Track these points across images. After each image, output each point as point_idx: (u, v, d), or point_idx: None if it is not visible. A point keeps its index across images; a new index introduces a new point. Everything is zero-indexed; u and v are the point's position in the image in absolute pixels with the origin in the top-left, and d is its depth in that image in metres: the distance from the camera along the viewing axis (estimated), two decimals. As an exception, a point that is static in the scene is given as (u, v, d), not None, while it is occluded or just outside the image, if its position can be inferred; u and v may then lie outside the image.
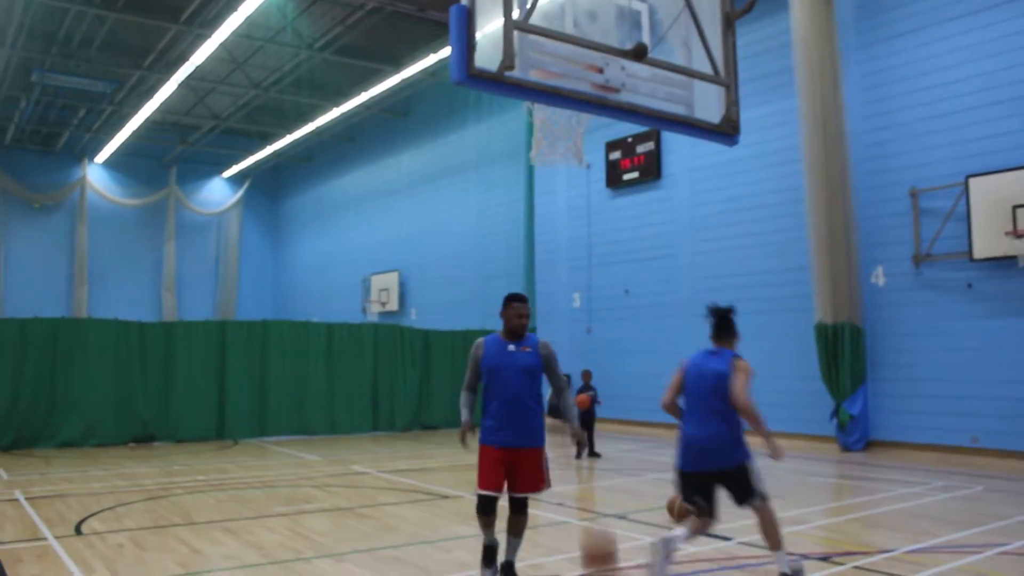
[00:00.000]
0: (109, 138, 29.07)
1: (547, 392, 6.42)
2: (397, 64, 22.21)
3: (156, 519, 8.45)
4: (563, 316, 20.50)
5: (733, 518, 7.73)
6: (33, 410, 14.77)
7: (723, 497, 5.83)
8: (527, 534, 6.07)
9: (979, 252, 12.93)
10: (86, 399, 15.12)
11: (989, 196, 12.81)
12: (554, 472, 6.35)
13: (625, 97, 4.74)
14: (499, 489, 5.80)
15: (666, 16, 4.95)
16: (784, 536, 5.87)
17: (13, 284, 29.77)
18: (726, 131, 5.26)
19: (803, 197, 14.89)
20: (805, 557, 6.71)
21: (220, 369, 16.67)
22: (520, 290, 20.85)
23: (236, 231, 34.42)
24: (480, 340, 6.01)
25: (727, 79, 5.18)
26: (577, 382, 14.37)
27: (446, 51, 20.46)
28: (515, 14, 4.22)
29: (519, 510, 5.92)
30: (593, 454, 13.81)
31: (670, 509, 8.28)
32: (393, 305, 27.06)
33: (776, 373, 15.41)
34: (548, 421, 6.06)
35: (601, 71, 4.61)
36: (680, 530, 5.74)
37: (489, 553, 5.87)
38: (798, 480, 11.37)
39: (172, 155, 32.09)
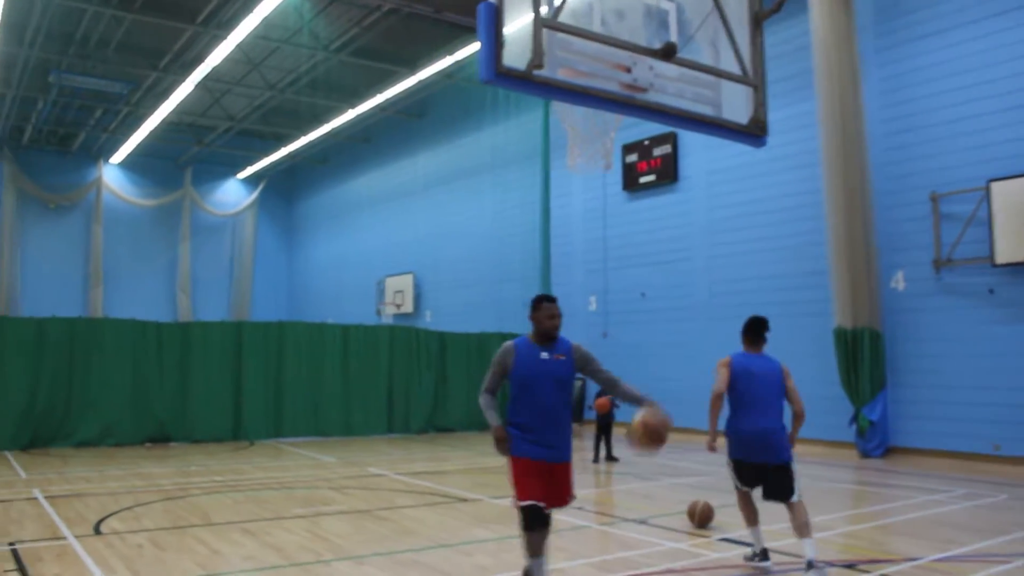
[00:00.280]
0: (125, 139, 29.18)
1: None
2: (413, 66, 22.20)
3: (174, 519, 8.44)
4: (579, 319, 20.42)
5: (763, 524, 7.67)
6: (50, 409, 14.82)
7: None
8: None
9: (1001, 257, 12.80)
10: (103, 399, 15.16)
11: (1012, 200, 12.68)
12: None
13: (653, 97, 4.68)
14: (542, 498, 5.29)
15: (694, 16, 4.89)
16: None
17: (29, 284, 29.91)
18: (754, 132, 5.19)
19: (821, 201, 14.78)
20: (830, 564, 6.63)
21: (236, 370, 16.69)
22: (536, 293, 20.80)
23: (251, 232, 34.50)
24: (509, 344, 5.49)
25: (755, 79, 5.11)
26: (595, 386, 14.29)
27: (462, 53, 20.47)
28: (543, 11, 4.18)
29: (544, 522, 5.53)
30: (611, 458, 13.74)
31: (691, 515, 8.24)
32: (408, 307, 27.04)
33: (794, 378, 15.25)
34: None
35: (629, 70, 4.56)
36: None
37: None
38: (818, 486, 11.25)
39: (187, 156, 32.20)
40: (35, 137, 29.39)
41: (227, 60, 21.53)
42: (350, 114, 25.66)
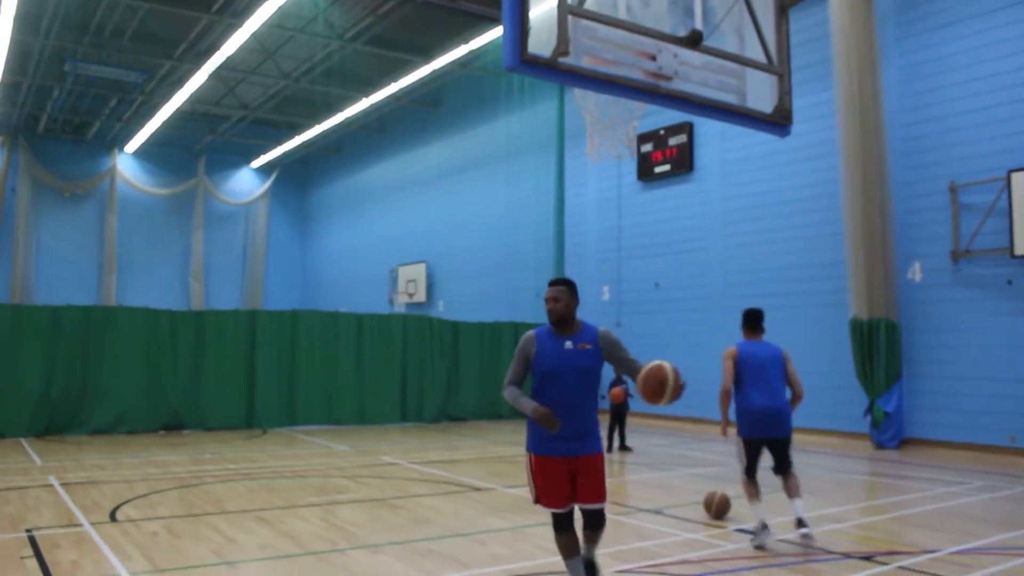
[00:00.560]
0: (139, 128, 29.24)
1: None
2: (428, 55, 22.13)
3: (189, 507, 8.46)
4: (592, 309, 20.36)
5: (772, 515, 7.64)
6: (65, 397, 14.88)
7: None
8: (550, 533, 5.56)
9: (1020, 248, 12.68)
10: (117, 387, 15.22)
11: (1032, 191, 12.56)
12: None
13: (677, 85, 4.63)
14: (569, 503, 5.11)
15: (719, 3, 4.83)
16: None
17: (44, 272, 30.07)
18: (778, 121, 5.13)
19: (838, 191, 14.69)
20: (847, 556, 6.59)
21: (250, 358, 16.72)
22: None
23: (264, 221, 34.56)
24: (531, 334, 5.16)
25: (780, 68, 5.05)
26: (609, 375, 14.26)
27: (477, 42, 20.39)
28: (569, -1, 4.13)
29: (596, 524, 5.24)
30: (624, 448, 13.73)
31: (707, 505, 8.21)
32: (420, 296, 27.04)
33: (808, 368, 15.07)
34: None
35: (654, 58, 4.51)
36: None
37: None
38: (832, 477, 11.22)
39: (201, 145, 32.25)
40: (50, 126, 29.48)
41: (242, 49, 21.51)
42: (364, 103, 25.62)
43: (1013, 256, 12.79)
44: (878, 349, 14.03)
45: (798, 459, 7.48)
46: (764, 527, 6.88)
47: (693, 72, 4.73)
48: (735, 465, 7.90)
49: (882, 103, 14.23)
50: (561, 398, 5.01)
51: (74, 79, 23.72)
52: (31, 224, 30.10)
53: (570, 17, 4.10)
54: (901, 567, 6.30)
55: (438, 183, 27.17)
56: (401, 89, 24.50)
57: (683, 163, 18.34)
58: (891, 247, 14.16)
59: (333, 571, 6.07)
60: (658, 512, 8.45)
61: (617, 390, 13.54)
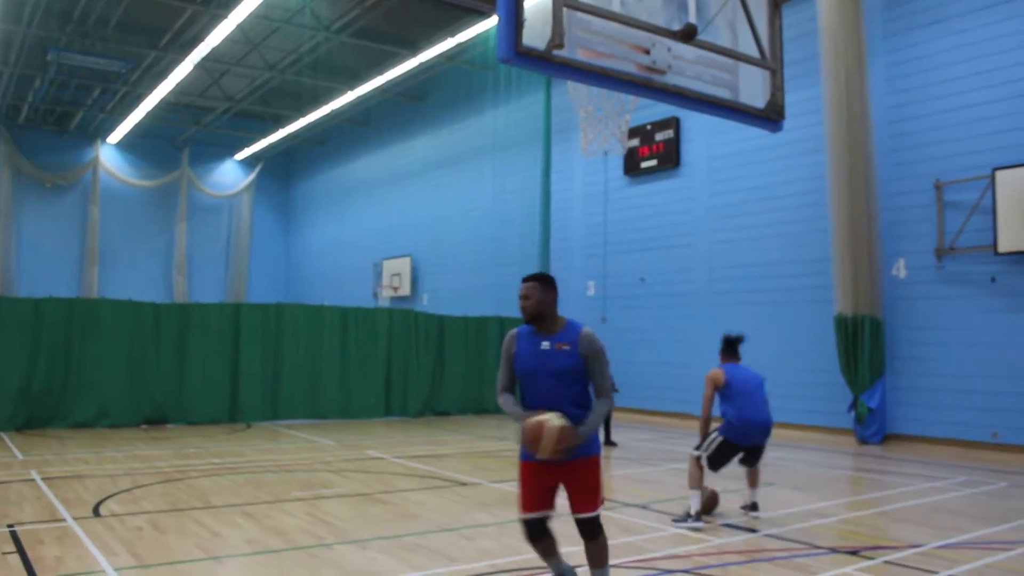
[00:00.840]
0: (123, 118, 28.99)
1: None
2: (414, 47, 22.05)
3: (174, 502, 8.39)
4: (577, 304, 20.38)
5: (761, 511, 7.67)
6: (47, 390, 14.73)
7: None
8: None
9: (1004, 246, 12.76)
10: (100, 380, 15.08)
11: (1016, 189, 12.64)
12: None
13: (671, 79, 4.61)
14: (544, 509, 4.82)
15: (712, -3, 4.81)
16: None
17: (25, 264, 29.77)
18: (771, 116, 5.13)
19: (824, 187, 14.74)
20: (834, 551, 6.62)
21: (234, 352, 16.61)
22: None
23: (248, 214, 34.36)
24: (513, 333, 4.93)
25: (773, 63, 5.05)
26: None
27: (464, 35, 20.33)
28: (564, -9, 4.10)
29: (587, 535, 4.85)
30: (609, 443, 13.74)
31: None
32: (405, 290, 26.98)
33: (793, 365, 15.30)
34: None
35: (648, 52, 4.49)
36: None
37: None
38: (817, 472, 11.27)
39: (185, 136, 32.03)
40: (32, 116, 29.19)
41: (227, 40, 21.35)
42: (350, 96, 25.48)
43: (997, 254, 12.87)
44: (862, 345, 14.10)
45: (782, 454, 7.72)
46: (699, 518, 7.40)
47: (687, 66, 4.71)
48: (688, 449, 8.31)
49: (868, 100, 14.28)
50: (539, 400, 4.73)
51: (57, 68, 23.45)
52: (12, 215, 29.79)
53: (565, 10, 4.08)
54: (887, 562, 6.33)
55: (423, 177, 27.09)
56: (387, 82, 24.40)
57: (670, 158, 18.35)
58: (876, 244, 14.23)
59: (321, 566, 6.03)
60: (644, 507, 8.46)
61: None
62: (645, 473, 11.11)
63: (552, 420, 4.53)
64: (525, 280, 4.87)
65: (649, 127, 18.70)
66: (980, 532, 7.48)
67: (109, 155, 31.77)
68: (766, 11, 5.05)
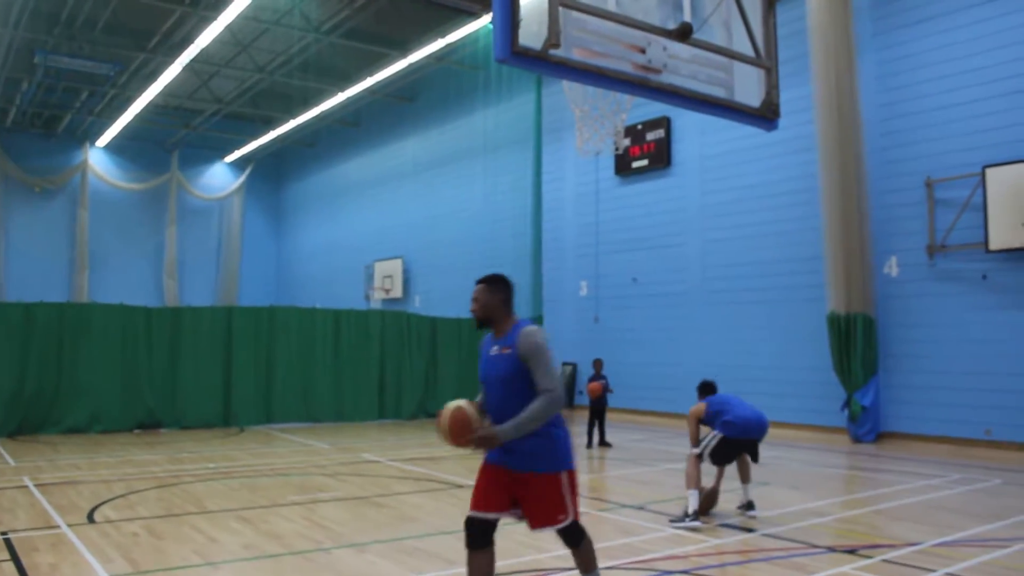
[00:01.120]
0: (111, 121, 28.85)
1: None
2: (404, 48, 22.01)
3: (169, 507, 8.34)
4: (570, 304, 20.39)
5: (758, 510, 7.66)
6: (38, 396, 14.63)
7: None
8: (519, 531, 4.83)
9: (995, 243, 12.80)
10: (92, 385, 14.99)
11: (1006, 186, 12.68)
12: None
13: (666, 78, 4.60)
14: (489, 509, 4.48)
15: (707, -4, 4.80)
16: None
17: (14, 268, 29.60)
18: (766, 115, 5.13)
19: (816, 186, 14.77)
20: (831, 550, 6.62)
21: (226, 355, 16.53)
22: (526, 278, 20.74)
23: (238, 216, 34.24)
24: (484, 338, 4.71)
25: (768, 61, 5.04)
26: (588, 371, 14.27)
27: (454, 36, 20.30)
28: (560, -10, 4.08)
29: (567, 542, 4.64)
30: (604, 443, 13.72)
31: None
32: (397, 292, 26.92)
33: (787, 363, 15.33)
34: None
35: (643, 51, 4.48)
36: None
37: None
38: (812, 471, 11.28)
39: (174, 139, 31.89)
40: (19, 119, 29.03)
41: (216, 42, 21.27)
42: (340, 97, 25.41)
43: (988, 251, 12.91)
44: (855, 344, 14.12)
45: (777, 453, 7.73)
46: (696, 518, 7.44)
47: (682, 65, 4.71)
48: (688, 449, 8.20)
49: (859, 99, 14.31)
50: (491, 408, 4.53)
51: (44, 71, 23.31)
52: (0, 219, 29.62)
53: (561, 9, 4.06)
54: (885, 560, 6.33)
55: (414, 178, 27.04)
56: (377, 83, 24.34)
57: (661, 158, 18.36)
58: (868, 242, 14.26)
59: (319, 571, 6.00)
60: (641, 508, 8.44)
61: (595, 385, 13.53)
62: (641, 473, 11.10)
63: (449, 405, 4.40)
64: (479, 282, 4.64)
65: (640, 127, 18.70)
66: (976, 529, 7.49)
67: (98, 158, 31.61)
68: (760, 10, 5.05)
